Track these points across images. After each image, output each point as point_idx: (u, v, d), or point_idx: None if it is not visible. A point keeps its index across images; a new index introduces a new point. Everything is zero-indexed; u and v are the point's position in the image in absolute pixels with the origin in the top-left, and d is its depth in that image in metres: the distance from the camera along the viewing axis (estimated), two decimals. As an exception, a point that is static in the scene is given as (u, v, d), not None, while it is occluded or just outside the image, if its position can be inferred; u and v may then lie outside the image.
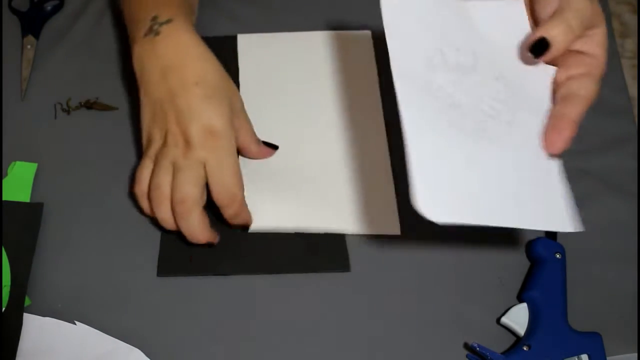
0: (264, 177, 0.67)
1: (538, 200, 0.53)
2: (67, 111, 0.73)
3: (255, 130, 0.67)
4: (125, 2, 0.68)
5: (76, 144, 0.71)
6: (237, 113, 0.63)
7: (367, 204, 0.67)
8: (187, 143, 0.59)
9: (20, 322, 0.60)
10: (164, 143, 0.61)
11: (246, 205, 0.63)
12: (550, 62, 0.56)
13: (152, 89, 0.62)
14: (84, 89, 0.74)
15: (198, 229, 0.60)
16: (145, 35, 0.62)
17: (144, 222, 0.66)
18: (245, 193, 0.63)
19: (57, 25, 0.79)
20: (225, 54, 0.76)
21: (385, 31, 0.54)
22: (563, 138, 0.53)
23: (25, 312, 0.60)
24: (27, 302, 0.61)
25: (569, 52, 0.55)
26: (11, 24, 0.79)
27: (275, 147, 0.69)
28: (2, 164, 0.68)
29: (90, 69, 0.76)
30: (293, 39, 0.78)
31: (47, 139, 0.71)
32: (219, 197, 0.60)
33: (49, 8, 0.79)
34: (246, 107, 0.66)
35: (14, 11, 0.79)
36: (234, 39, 0.78)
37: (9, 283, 0.61)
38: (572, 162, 0.71)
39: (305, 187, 0.67)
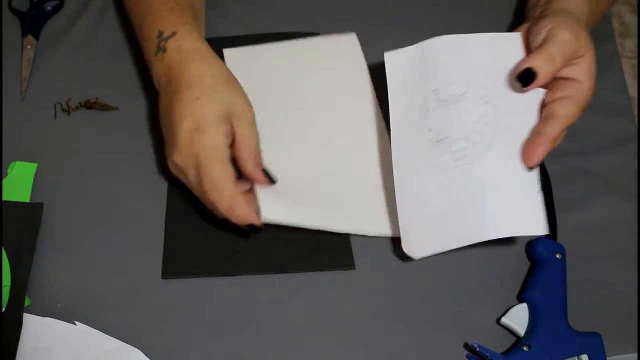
0: (284, 170, 0.66)
1: (513, 209, 0.59)
2: (67, 111, 0.73)
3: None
4: (132, 17, 0.69)
5: (76, 144, 0.71)
6: (238, 119, 0.61)
7: (389, 206, 0.66)
8: (180, 148, 0.60)
9: (20, 322, 0.60)
10: (172, 167, 0.62)
11: (243, 202, 0.59)
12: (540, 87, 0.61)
13: (160, 103, 0.63)
14: (84, 89, 0.74)
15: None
16: (156, 54, 0.64)
17: (143, 222, 0.66)
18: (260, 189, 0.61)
19: (57, 25, 0.79)
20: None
21: (389, 96, 0.63)
22: (538, 153, 0.58)
23: (25, 312, 0.60)
24: (27, 302, 0.61)
25: (557, 78, 0.60)
26: (11, 24, 0.79)
27: (272, 181, 0.63)
28: (2, 164, 0.68)
29: (90, 69, 0.76)
30: (279, 48, 0.77)
31: (47, 139, 0.71)
32: (208, 191, 0.59)
33: (49, 8, 0.79)
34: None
35: (14, 11, 0.79)
36: (233, 39, 0.78)
37: (9, 283, 0.61)
38: (572, 162, 0.71)
39: (330, 185, 0.67)
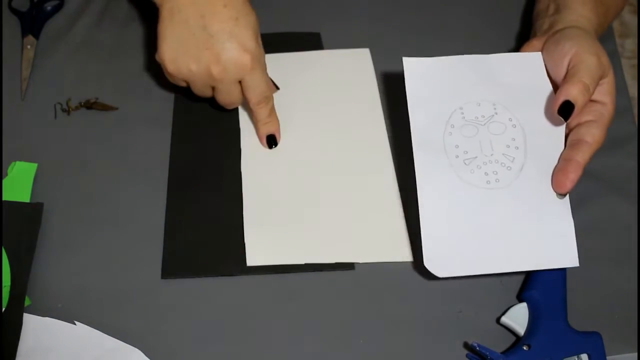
0: (267, 212, 0.67)
1: (545, 239, 0.60)
2: (67, 111, 0.73)
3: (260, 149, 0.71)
4: None
5: (76, 144, 0.71)
6: (258, 34, 0.66)
7: (377, 232, 0.66)
8: (223, 68, 0.64)
9: (20, 322, 0.60)
10: (200, 71, 0.64)
11: (275, 112, 0.70)
12: None
13: (179, 9, 0.64)
14: (84, 89, 0.74)
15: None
16: None
17: (143, 222, 0.66)
18: (248, 229, 0.65)
19: (57, 25, 0.79)
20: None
21: (408, 102, 0.62)
22: (570, 179, 0.60)
23: (25, 312, 0.60)
24: (27, 302, 0.61)
25: None
26: (11, 24, 0.79)
27: (276, 87, 0.72)
28: (2, 164, 0.68)
29: (90, 69, 0.76)
30: (290, 59, 0.77)
31: (47, 139, 0.71)
32: (255, 99, 0.67)
33: (49, 8, 0.80)
34: (246, 129, 0.71)
35: (14, 11, 0.79)
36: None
37: (9, 283, 0.61)
38: (572, 162, 0.71)
39: (312, 218, 0.66)
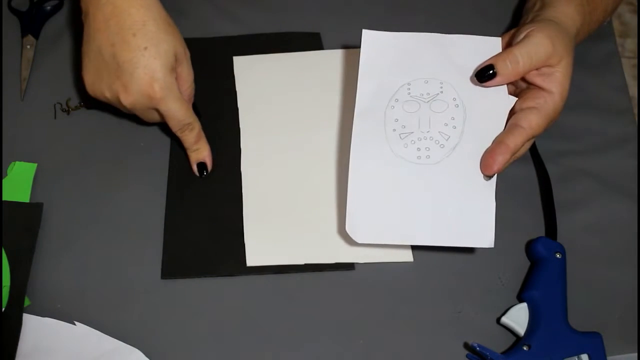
0: (267, 212, 0.67)
1: (465, 218, 0.59)
2: (67, 111, 0.73)
3: (258, 155, 0.70)
4: None
5: (76, 144, 0.71)
6: (179, 61, 0.65)
7: None
8: (133, 99, 0.63)
9: (20, 322, 0.60)
10: (113, 99, 0.64)
11: (204, 138, 0.68)
12: (512, 93, 0.63)
13: (93, 36, 0.64)
14: (84, 89, 0.74)
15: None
16: None
17: (143, 222, 0.66)
18: (248, 229, 0.65)
19: (57, 25, 0.79)
20: (224, 54, 0.76)
21: (359, 71, 0.63)
22: (497, 161, 0.59)
23: (25, 312, 0.60)
24: (27, 302, 0.61)
25: (532, 87, 0.61)
26: (11, 24, 0.78)
27: (198, 115, 0.69)
28: (2, 164, 0.68)
29: (90, 69, 0.76)
30: (290, 59, 0.76)
31: (47, 139, 0.71)
32: (174, 127, 0.66)
33: (48, 8, 0.79)
34: (246, 130, 0.70)
35: (13, 11, 0.79)
36: (233, 39, 0.78)
37: (9, 283, 0.61)
38: (572, 162, 0.71)
39: (312, 218, 0.66)
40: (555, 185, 0.69)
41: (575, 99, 0.75)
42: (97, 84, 0.65)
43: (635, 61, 1.55)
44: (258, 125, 0.72)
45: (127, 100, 0.63)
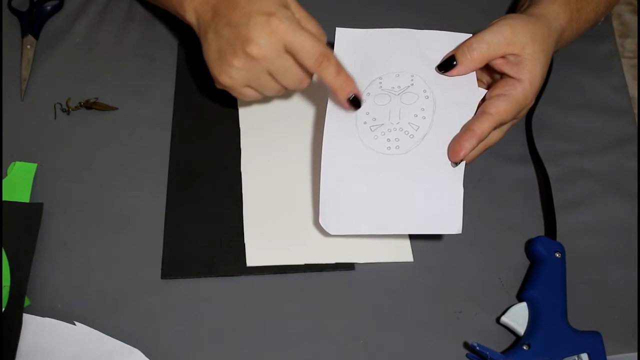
0: (267, 212, 0.67)
1: (434, 205, 0.60)
2: (67, 111, 0.73)
3: (260, 162, 0.69)
4: None
5: (76, 144, 0.71)
6: (290, 4, 0.62)
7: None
8: (258, 45, 0.59)
9: (20, 322, 0.60)
10: (242, 61, 0.60)
11: (345, 69, 0.61)
12: (488, 85, 0.64)
13: (207, 27, 0.62)
14: (84, 89, 0.74)
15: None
16: None
17: (143, 222, 0.66)
18: (248, 229, 0.65)
19: (57, 25, 0.79)
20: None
21: None
22: (463, 147, 0.59)
23: (25, 312, 0.60)
24: (27, 302, 0.61)
25: (504, 76, 0.62)
26: (11, 24, 0.78)
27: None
28: (2, 164, 0.68)
29: (90, 69, 0.76)
30: None
31: (47, 139, 0.71)
32: (309, 62, 0.60)
33: (48, 8, 0.79)
34: (246, 130, 0.70)
35: (13, 11, 0.79)
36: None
37: (9, 283, 0.61)
38: (572, 162, 0.71)
39: (312, 218, 0.66)
40: (555, 185, 0.69)
41: (575, 99, 0.75)
42: (225, 64, 0.61)
43: (635, 61, 1.55)
44: (258, 125, 0.72)
45: (254, 49, 0.59)
